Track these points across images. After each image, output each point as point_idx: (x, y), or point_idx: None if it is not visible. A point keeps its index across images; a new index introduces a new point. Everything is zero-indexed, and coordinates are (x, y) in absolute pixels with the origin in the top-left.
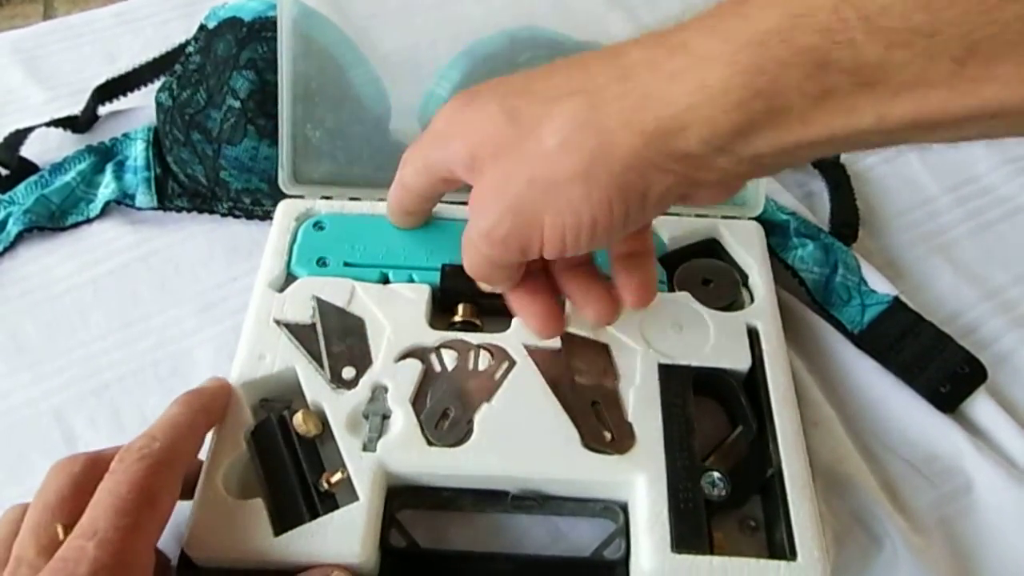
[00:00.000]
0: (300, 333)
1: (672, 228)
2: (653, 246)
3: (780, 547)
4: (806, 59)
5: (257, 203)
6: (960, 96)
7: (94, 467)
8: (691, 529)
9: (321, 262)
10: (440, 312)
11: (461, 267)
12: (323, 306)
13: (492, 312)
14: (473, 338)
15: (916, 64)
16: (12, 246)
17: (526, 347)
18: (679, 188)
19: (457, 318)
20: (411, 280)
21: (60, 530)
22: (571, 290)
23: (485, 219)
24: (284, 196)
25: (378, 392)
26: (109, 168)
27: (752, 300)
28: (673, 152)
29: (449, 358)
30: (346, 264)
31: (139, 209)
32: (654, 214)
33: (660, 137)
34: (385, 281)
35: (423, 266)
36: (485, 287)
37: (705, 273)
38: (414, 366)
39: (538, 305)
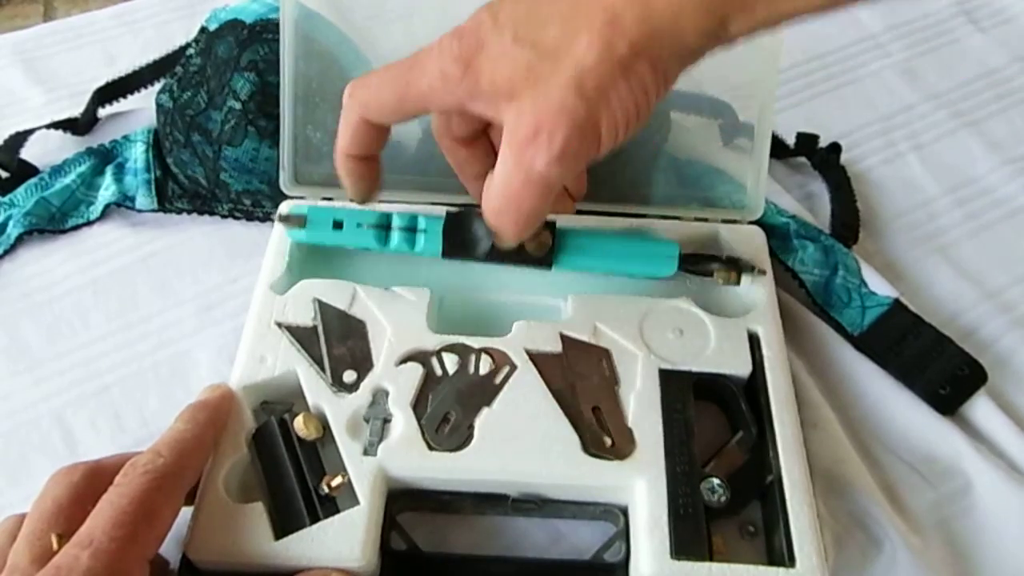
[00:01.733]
0: (301, 336)
1: (673, 233)
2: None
3: (779, 553)
4: None
5: (257, 204)
6: None
7: (94, 477)
8: (691, 534)
9: (337, 224)
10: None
11: (465, 209)
12: (324, 308)
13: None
14: (474, 342)
15: None
16: (12, 248)
17: (527, 352)
18: (693, 62)
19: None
20: (415, 222)
21: (55, 539)
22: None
23: (553, 143)
24: (284, 197)
25: (379, 396)
26: (109, 170)
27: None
28: (682, 48)
29: (450, 362)
30: (358, 225)
31: (139, 211)
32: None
33: (669, 37)
34: (388, 226)
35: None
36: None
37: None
38: (415, 370)
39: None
